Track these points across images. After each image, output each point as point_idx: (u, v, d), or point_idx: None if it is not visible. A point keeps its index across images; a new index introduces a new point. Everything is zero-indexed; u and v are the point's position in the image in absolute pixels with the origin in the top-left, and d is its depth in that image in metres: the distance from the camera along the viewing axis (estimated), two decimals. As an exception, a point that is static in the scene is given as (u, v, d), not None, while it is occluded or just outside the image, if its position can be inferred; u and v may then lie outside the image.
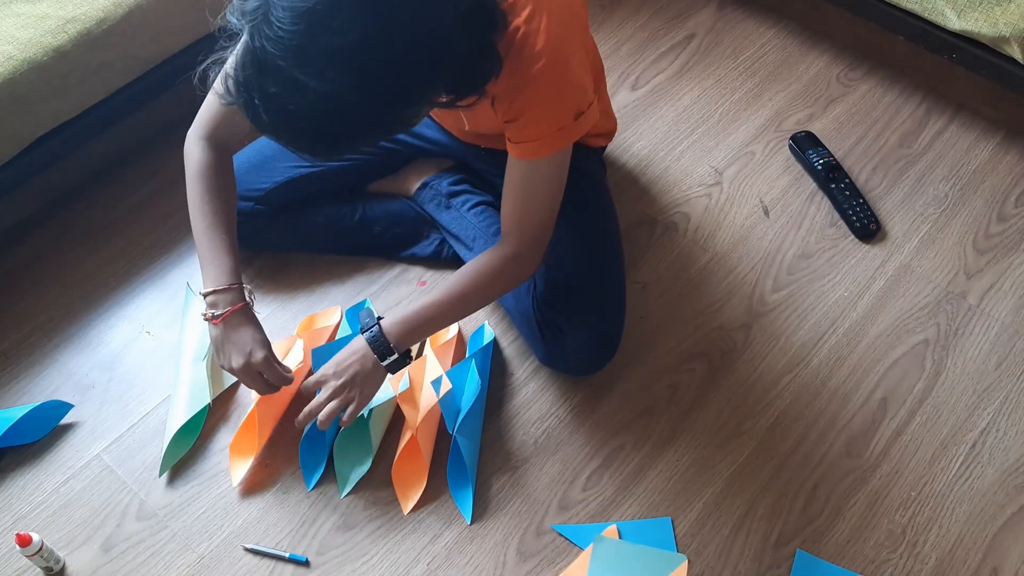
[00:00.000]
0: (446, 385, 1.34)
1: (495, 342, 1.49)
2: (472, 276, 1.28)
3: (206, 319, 1.27)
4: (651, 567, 1.27)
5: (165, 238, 1.65)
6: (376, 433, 1.39)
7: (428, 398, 1.35)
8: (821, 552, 1.29)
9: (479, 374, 1.40)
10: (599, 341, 1.39)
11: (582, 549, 1.30)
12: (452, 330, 1.48)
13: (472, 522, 1.33)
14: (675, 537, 1.31)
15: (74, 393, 1.47)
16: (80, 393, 1.47)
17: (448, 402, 1.35)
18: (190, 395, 1.41)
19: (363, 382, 1.27)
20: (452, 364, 1.45)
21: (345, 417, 1.27)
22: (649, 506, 1.34)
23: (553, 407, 1.44)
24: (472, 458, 1.36)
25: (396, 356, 1.26)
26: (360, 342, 1.27)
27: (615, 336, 1.41)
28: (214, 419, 1.44)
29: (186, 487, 1.38)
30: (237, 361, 1.26)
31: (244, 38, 0.94)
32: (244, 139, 1.38)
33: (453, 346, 1.46)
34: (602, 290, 1.39)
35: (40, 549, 1.25)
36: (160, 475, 1.38)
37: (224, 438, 1.42)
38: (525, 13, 1.10)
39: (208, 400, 1.41)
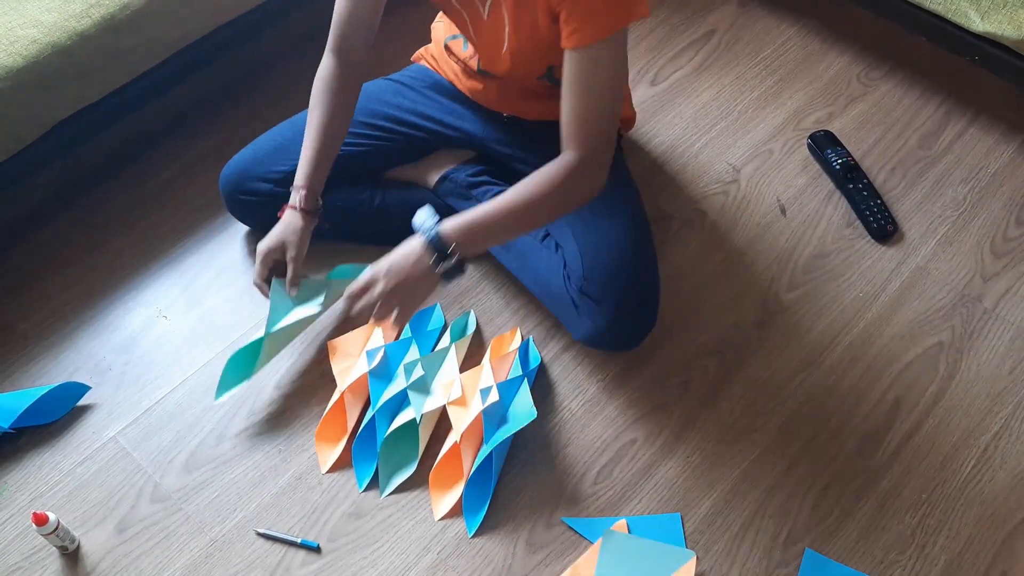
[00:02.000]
0: (494, 396, 1.33)
1: (542, 365, 1.49)
2: (535, 184, 1.25)
3: None
4: (660, 562, 1.28)
5: (185, 223, 1.66)
6: (424, 437, 1.39)
7: (476, 408, 1.34)
8: (830, 552, 1.29)
9: (532, 401, 1.37)
10: (638, 311, 1.39)
11: (591, 543, 1.30)
12: (515, 341, 1.48)
13: (477, 531, 1.33)
14: (684, 533, 1.32)
15: (91, 375, 1.49)
16: (97, 375, 1.49)
17: (492, 414, 1.34)
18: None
19: (414, 286, 1.25)
20: (506, 376, 1.43)
21: (394, 320, 1.26)
22: (659, 502, 1.35)
23: (565, 401, 1.44)
24: (496, 477, 1.36)
25: (453, 261, 1.24)
26: (415, 243, 1.24)
27: (652, 305, 1.41)
28: (235, 406, 1.45)
29: (200, 471, 1.39)
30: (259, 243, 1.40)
31: None
32: (364, 41, 1.40)
33: (511, 359, 1.44)
34: (638, 260, 1.38)
35: (56, 528, 1.26)
36: (216, 398, 1.42)
37: (239, 423, 1.43)
38: None
39: (264, 334, 1.41)
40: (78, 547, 1.32)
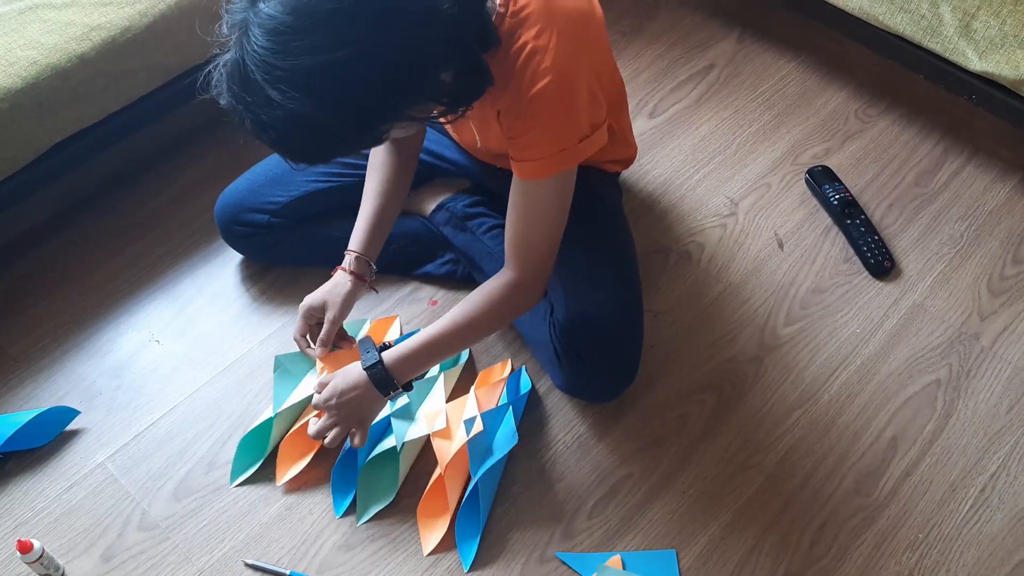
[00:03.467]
0: (478, 427, 1.31)
1: (532, 391, 1.48)
2: (475, 305, 1.28)
3: None
4: (654, 599, 1.26)
5: (179, 248, 1.66)
6: (404, 467, 1.37)
7: (461, 439, 1.32)
8: (827, 591, 1.28)
9: (515, 426, 1.37)
10: (617, 367, 1.39)
11: (585, 578, 1.29)
12: (505, 371, 1.47)
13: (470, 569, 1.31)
14: (679, 570, 1.30)
15: (81, 399, 1.47)
16: (87, 400, 1.47)
17: (477, 445, 1.33)
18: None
19: (364, 414, 1.30)
20: (495, 405, 1.41)
21: (356, 442, 1.29)
22: (654, 537, 1.33)
23: (561, 433, 1.43)
24: (487, 509, 1.34)
25: (398, 390, 1.28)
26: (362, 375, 1.27)
27: (633, 361, 1.41)
28: (225, 433, 1.44)
29: (189, 499, 1.37)
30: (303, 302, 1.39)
31: (232, 47, 0.98)
32: (413, 140, 1.43)
33: (499, 389, 1.43)
34: (621, 318, 1.38)
35: (41, 556, 1.24)
36: (231, 483, 1.39)
37: (229, 451, 1.41)
38: (535, 29, 1.09)
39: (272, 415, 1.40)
40: (63, 575, 1.30)
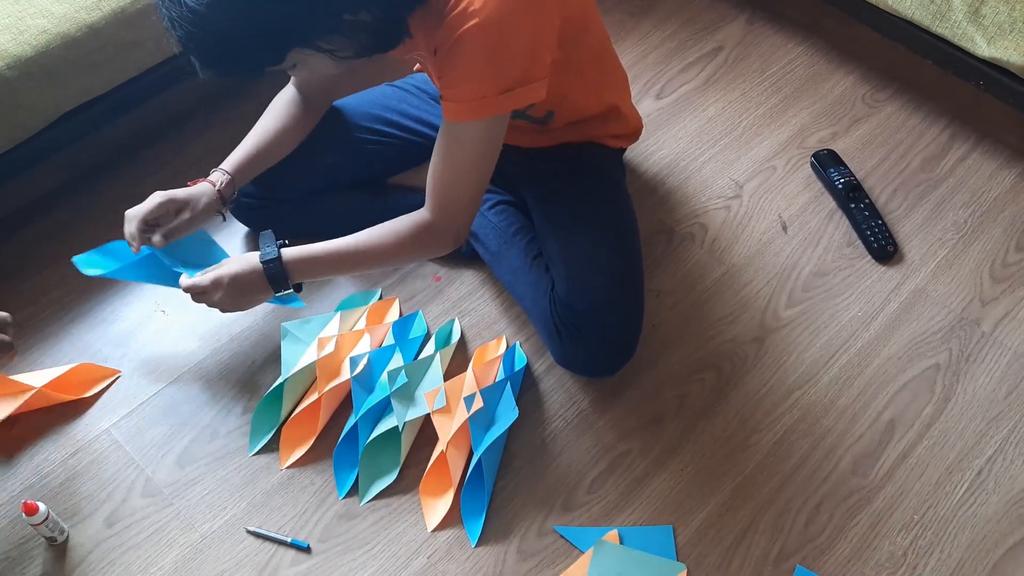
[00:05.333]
0: (478, 403, 1.32)
1: (527, 367, 1.49)
2: (384, 234, 1.30)
3: None
4: (650, 574, 1.27)
5: (185, 219, 1.66)
6: (406, 447, 1.38)
7: (462, 416, 1.33)
8: (821, 570, 1.29)
9: (514, 401, 1.38)
10: (617, 342, 1.39)
11: (582, 552, 1.30)
12: (500, 348, 1.48)
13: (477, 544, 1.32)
14: (676, 546, 1.31)
15: (87, 367, 1.49)
16: (93, 367, 1.49)
17: (478, 421, 1.34)
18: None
19: (244, 301, 1.33)
20: (493, 381, 1.42)
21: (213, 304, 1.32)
22: (652, 513, 1.34)
23: (562, 409, 1.44)
24: (491, 484, 1.35)
25: (289, 289, 1.30)
26: (256, 264, 1.30)
27: (633, 337, 1.41)
28: (229, 403, 1.45)
29: (193, 466, 1.39)
30: None
31: None
32: (324, 96, 1.51)
33: (496, 365, 1.44)
34: (621, 294, 1.39)
35: (46, 519, 1.26)
36: (249, 452, 1.40)
37: (233, 420, 1.43)
38: None
39: (283, 380, 1.42)
40: (67, 538, 1.32)
